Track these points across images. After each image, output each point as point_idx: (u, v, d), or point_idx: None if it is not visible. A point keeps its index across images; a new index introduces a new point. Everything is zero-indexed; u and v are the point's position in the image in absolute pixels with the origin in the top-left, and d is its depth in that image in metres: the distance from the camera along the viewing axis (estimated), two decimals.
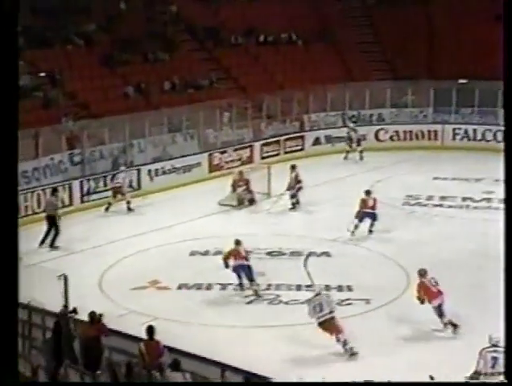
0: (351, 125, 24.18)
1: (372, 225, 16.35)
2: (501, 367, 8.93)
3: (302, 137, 24.75)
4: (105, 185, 19.31)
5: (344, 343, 11.07)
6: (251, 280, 13.36)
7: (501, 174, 22.26)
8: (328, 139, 24.96)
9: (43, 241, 15.76)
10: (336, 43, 28.47)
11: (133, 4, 26.14)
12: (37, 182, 18.20)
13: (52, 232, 15.91)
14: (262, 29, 27.80)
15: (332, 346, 11.23)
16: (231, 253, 13.52)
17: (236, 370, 9.09)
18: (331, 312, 11.31)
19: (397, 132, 25.42)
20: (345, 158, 23.70)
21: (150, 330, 9.82)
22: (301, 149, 24.48)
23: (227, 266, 13.50)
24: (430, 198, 19.13)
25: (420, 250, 15.21)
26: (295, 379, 9.30)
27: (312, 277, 11.94)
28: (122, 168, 19.29)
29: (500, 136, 24.49)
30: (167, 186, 20.41)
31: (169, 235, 16.63)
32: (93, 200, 19.06)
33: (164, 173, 20.79)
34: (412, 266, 14.00)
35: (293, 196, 18.49)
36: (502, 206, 18.04)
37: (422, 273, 11.82)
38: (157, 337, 9.78)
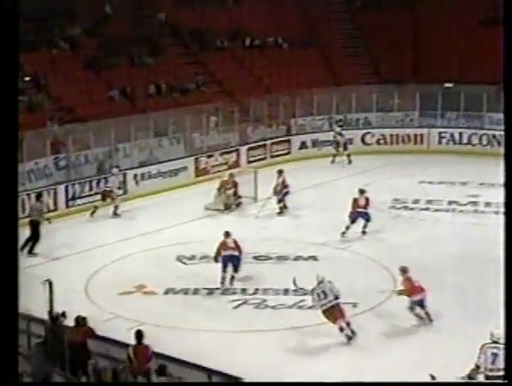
0: (338, 129, 24.20)
1: (365, 226, 16.40)
2: (500, 363, 9.10)
3: (288, 141, 24.74)
4: (91, 189, 19.20)
5: (341, 329, 11.46)
6: (235, 271, 13.69)
7: (486, 177, 22.56)
8: (315, 143, 24.98)
9: (23, 247, 15.45)
10: (322, 47, 28.53)
11: (118, 8, 26.05)
12: (21, 187, 18.04)
13: (32, 239, 15.72)
14: (248, 33, 27.81)
15: (320, 350, 11.21)
16: (219, 248, 13.82)
17: (223, 375, 9.04)
18: (336, 298, 11.58)
19: (383, 136, 25.49)
20: (332, 161, 23.73)
21: (139, 334, 9.75)
22: (287, 154, 24.47)
23: (217, 261, 13.81)
24: (416, 201, 19.17)
25: (407, 253, 15.20)
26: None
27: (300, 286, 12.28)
28: (115, 170, 19.15)
29: (485, 139, 24.67)
30: (154, 190, 20.33)
31: (155, 239, 16.55)
32: (79, 205, 18.93)
33: (150, 177, 20.70)
34: (398, 269, 14.04)
35: (280, 201, 18.46)
36: (488, 209, 18.33)
37: (404, 270, 12.12)
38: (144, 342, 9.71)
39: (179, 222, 17.70)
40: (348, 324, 11.57)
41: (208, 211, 18.75)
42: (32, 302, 10.40)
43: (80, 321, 10.22)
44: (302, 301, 13.04)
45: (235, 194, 18.99)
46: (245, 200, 19.21)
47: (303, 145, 24.90)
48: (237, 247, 13.83)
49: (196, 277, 14.30)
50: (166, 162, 21.28)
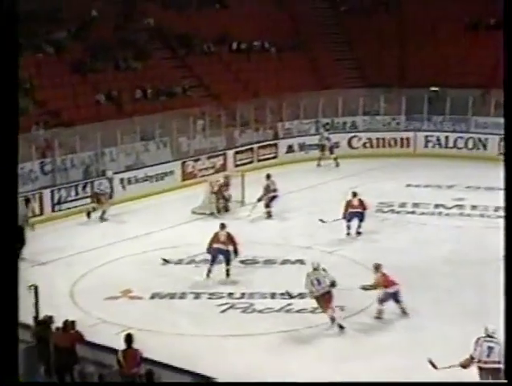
0: (325, 134, 24.24)
1: (359, 226, 16.59)
2: (496, 356, 9.42)
3: (275, 145, 24.75)
4: (77, 194, 19.11)
5: (333, 319, 11.90)
6: (228, 263, 14.10)
7: (472, 180, 22.64)
8: (302, 147, 25.01)
9: None
10: (309, 51, 28.58)
11: (104, 11, 25.98)
12: None
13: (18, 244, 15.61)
14: (234, 37, 27.81)
15: (308, 354, 11.19)
16: (211, 240, 14.23)
17: (209, 379, 9.00)
18: (332, 285, 12.01)
19: (370, 139, 25.55)
20: (318, 165, 23.77)
21: (129, 338, 9.69)
22: (274, 157, 24.48)
23: (208, 252, 14.24)
24: (403, 205, 19.21)
25: (393, 257, 15.19)
26: None
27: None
28: (109, 173, 19.09)
29: (471, 143, 24.78)
30: (140, 194, 20.26)
31: (142, 244, 16.48)
32: (65, 209, 18.84)
33: (137, 181, 20.62)
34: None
35: (267, 205, 18.44)
36: (474, 212, 18.40)
37: (377, 267, 12.43)
38: None
39: (165, 226, 17.65)
40: (333, 310, 12.04)
41: (195, 215, 18.70)
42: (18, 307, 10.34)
43: (69, 325, 10.15)
44: (289, 304, 13.05)
45: (224, 197, 18.97)
46: (233, 204, 19.18)
47: (290, 149, 24.91)
48: (230, 241, 14.13)
49: (182, 281, 14.24)
50: (152, 166, 21.22)
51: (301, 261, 15.15)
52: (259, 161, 23.95)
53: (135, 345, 9.67)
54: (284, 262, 15.13)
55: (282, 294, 13.34)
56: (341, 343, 11.63)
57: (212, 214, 18.57)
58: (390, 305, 12.48)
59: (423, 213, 18.56)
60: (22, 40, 22.82)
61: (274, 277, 14.34)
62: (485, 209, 18.61)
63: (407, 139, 25.50)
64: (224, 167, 22.70)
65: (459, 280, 13.96)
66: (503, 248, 7.57)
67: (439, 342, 11.29)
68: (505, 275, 7.39)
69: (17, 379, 6.84)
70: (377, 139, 25.59)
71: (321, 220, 16.77)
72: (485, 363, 9.57)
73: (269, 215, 18.42)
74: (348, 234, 16.60)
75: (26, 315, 10.21)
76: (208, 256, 14.47)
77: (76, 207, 18.86)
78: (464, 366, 9.61)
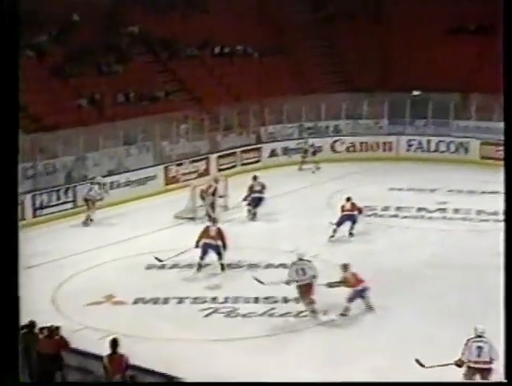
0: (309, 140, 24.30)
1: (352, 228, 16.75)
2: (486, 356, 9.58)
3: (258, 149, 24.75)
4: (59, 199, 18.99)
5: (310, 303, 12.35)
6: (220, 257, 14.54)
7: (454, 184, 22.74)
8: (285, 151, 25.04)
9: None
10: (291, 56, 28.62)
11: (86, 15, 25.85)
12: None
13: None
14: (217, 41, 27.79)
15: (292, 358, 11.16)
16: (201, 234, 14.58)
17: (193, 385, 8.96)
18: (314, 277, 12.44)
19: (353, 143, 25.63)
20: (300, 169, 23.80)
21: (114, 343, 9.62)
22: (258, 161, 24.48)
23: (197, 246, 14.50)
24: (386, 208, 19.27)
25: (376, 261, 15.28)
26: None
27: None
28: (98, 178, 19.04)
29: (453, 147, 24.93)
30: (123, 199, 20.15)
31: (125, 248, 16.40)
32: (46, 214, 18.69)
33: (119, 186, 20.52)
34: (368, 276, 14.06)
35: (250, 205, 18.49)
36: (456, 216, 18.49)
37: (345, 266, 12.78)
38: None
39: (148, 231, 17.57)
40: (312, 302, 12.45)
41: (178, 219, 18.64)
42: None
43: (54, 331, 10.04)
44: (273, 309, 13.04)
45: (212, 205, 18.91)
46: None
47: (273, 153, 24.93)
48: (220, 236, 14.51)
49: (165, 286, 14.19)
50: (135, 170, 21.13)
51: (285, 265, 15.04)
52: (242, 165, 23.94)
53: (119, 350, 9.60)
54: (268, 266, 15.11)
55: (265, 298, 13.35)
56: (326, 346, 11.61)
57: (193, 219, 18.50)
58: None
59: (405, 217, 18.62)
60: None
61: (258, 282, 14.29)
62: (468, 212, 18.71)
63: (390, 143, 25.61)
64: (207, 171, 22.66)
65: (442, 283, 14.01)
66: (503, 251, 7.63)
67: (422, 344, 11.31)
68: (505, 275, 7.47)
69: (17, 380, 6.82)
70: (361, 143, 25.68)
71: (331, 222, 16.85)
72: (476, 363, 9.68)
73: (253, 216, 18.44)
74: (332, 236, 16.61)
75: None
76: (192, 260, 14.57)
77: (58, 211, 18.72)
78: (459, 365, 9.77)
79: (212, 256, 14.80)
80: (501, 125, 24.27)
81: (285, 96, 25.29)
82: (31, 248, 16.29)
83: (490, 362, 9.65)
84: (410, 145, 25.48)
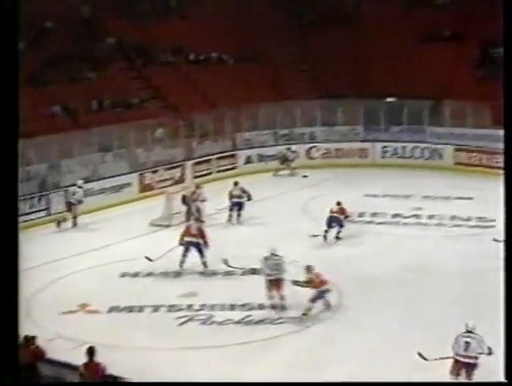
0: (292, 147, 24.48)
1: (339, 232, 16.93)
2: (473, 351, 9.87)
3: (234, 156, 24.73)
4: (32, 206, 18.79)
5: (272, 297, 12.97)
6: (202, 255, 14.99)
7: (429, 190, 22.87)
8: (261, 157, 25.05)
9: None
10: (266, 63, 28.63)
11: (59, 23, 25.67)
12: None
13: None
14: (192, 48, 27.76)
15: (268, 365, 11.13)
16: (183, 233, 15.21)
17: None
18: (282, 273, 13.02)
19: (328, 150, 25.71)
20: (275, 175, 23.88)
21: (91, 351, 9.54)
22: (233, 168, 24.44)
23: (181, 244, 15.05)
24: (361, 214, 19.32)
25: (352, 266, 15.32)
26: None
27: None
28: (79, 182, 19.01)
29: (427, 153, 25.09)
30: (97, 206, 19.98)
31: (100, 256, 16.26)
32: (20, 222, 18.41)
33: (94, 193, 20.35)
34: (345, 283, 14.12)
35: (231, 212, 18.64)
36: (430, 222, 18.60)
37: (309, 268, 12.92)
38: None
39: (123, 239, 17.45)
40: (281, 297, 12.94)
41: (153, 227, 18.54)
42: None
43: (30, 340, 9.90)
44: (248, 316, 13.00)
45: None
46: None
47: (248, 160, 24.93)
48: (200, 234, 15.09)
49: (140, 294, 14.09)
50: (110, 177, 20.99)
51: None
52: (218, 172, 23.89)
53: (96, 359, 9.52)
54: (244, 273, 15.06)
55: (241, 306, 13.33)
56: (302, 352, 11.58)
57: (168, 226, 18.41)
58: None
59: (381, 223, 18.69)
60: None
61: (234, 289, 14.26)
62: (442, 218, 18.84)
63: (365, 149, 25.72)
64: (182, 179, 22.58)
65: (417, 288, 14.07)
66: (503, 257, 7.76)
67: (399, 349, 11.35)
68: (505, 276, 7.60)
69: (17, 380, 6.90)
70: (336, 149, 25.75)
71: (312, 235, 17.07)
72: (462, 356, 9.93)
73: (237, 220, 18.56)
74: (324, 237, 16.92)
75: None
76: (166, 268, 14.73)
77: (31, 220, 18.51)
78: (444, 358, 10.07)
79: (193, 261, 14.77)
80: (475, 131, 24.58)
81: (260, 102, 25.28)
82: None
83: (476, 358, 9.91)
84: (385, 152, 25.61)
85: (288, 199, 20.90)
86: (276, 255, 13.20)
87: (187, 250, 15.07)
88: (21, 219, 18.23)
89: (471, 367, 9.95)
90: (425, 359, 10.23)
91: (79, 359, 9.63)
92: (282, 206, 20.08)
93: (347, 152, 25.76)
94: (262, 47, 28.92)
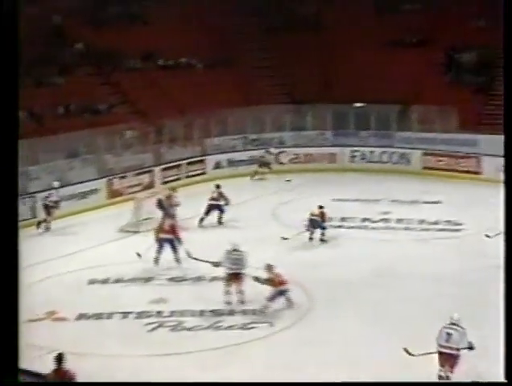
0: (272, 149, 24.51)
1: (322, 234, 17.27)
2: (454, 342, 10.05)
3: (203, 161, 24.67)
4: None
5: (227, 292, 13.39)
6: (175, 251, 15.40)
7: (397, 194, 23.00)
8: (230, 163, 25.04)
9: None
10: (235, 68, 28.67)
11: (27, 27, 25.34)
12: None
13: None
14: (160, 53, 27.66)
15: (238, 370, 11.09)
16: (157, 229, 15.79)
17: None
18: (242, 268, 13.44)
19: (297, 155, 25.79)
20: (252, 178, 24.00)
21: (59, 358, 9.42)
22: (203, 173, 24.39)
23: (157, 240, 15.52)
24: (330, 219, 19.34)
25: (321, 271, 15.36)
26: None
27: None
28: (55, 184, 18.95)
29: (395, 157, 25.29)
30: (65, 213, 19.74)
31: (68, 263, 16.08)
32: None
33: (62, 200, 20.07)
34: (314, 287, 14.16)
35: (205, 214, 18.78)
36: (399, 226, 18.74)
37: (269, 267, 13.20)
38: None
39: (91, 245, 17.29)
40: (240, 292, 13.37)
41: (122, 232, 18.41)
42: None
43: None
44: (218, 321, 12.96)
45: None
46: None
47: (218, 165, 24.90)
48: (173, 231, 15.53)
49: (109, 300, 13.96)
50: (77, 183, 20.78)
51: None
52: (187, 177, 23.81)
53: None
54: (213, 279, 14.99)
55: (211, 311, 13.29)
56: (272, 358, 11.56)
57: (137, 232, 18.29)
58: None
59: (350, 227, 18.76)
60: None
61: (204, 295, 14.20)
62: (410, 222, 18.99)
63: (334, 154, 25.85)
64: (151, 184, 22.46)
65: (386, 292, 14.14)
66: (503, 260, 7.83)
67: (369, 353, 11.40)
68: (505, 276, 7.67)
69: (17, 380, 6.90)
70: (305, 154, 25.86)
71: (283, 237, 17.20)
72: (443, 347, 10.08)
73: (200, 221, 18.62)
74: (310, 239, 17.30)
75: None
76: (135, 275, 14.78)
77: None
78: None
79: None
80: (442, 136, 24.75)
81: (229, 108, 25.30)
82: None
83: (457, 349, 10.04)
84: (353, 156, 25.76)
85: (256, 205, 20.89)
86: (238, 250, 13.63)
87: (161, 247, 15.44)
88: None
89: (453, 359, 10.06)
90: (411, 354, 10.33)
91: (46, 367, 9.48)
92: (250, 212, 20.05)
93: (316, 157, 25.87)
94: (231, 53, 28.96)
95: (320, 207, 17.48)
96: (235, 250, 13.70)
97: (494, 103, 25.59)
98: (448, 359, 10.09)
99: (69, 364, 9.57)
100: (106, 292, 14.54)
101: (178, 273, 15.36)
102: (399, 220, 19.16)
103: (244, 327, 12.68)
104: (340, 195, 21.70)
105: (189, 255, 15.02)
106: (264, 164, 24.42)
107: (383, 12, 29.03)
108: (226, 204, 18.99)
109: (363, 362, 11.18)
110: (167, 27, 28.01)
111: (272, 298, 13.07)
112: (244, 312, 13.32)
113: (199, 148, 25.05)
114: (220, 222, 18.99)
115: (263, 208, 20.48)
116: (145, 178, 22.53)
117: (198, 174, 24.20)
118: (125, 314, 13.34)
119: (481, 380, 9.92)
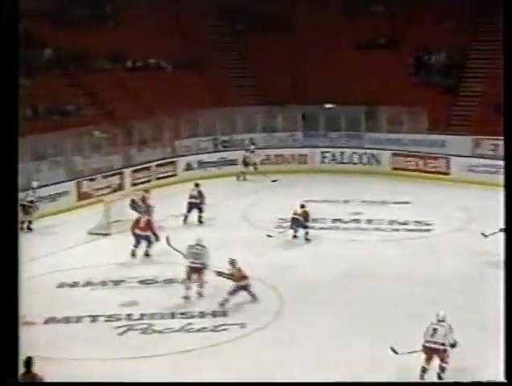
0: (251, 147, 24.44)
1: (306, 233, 17.39)
2: (440, 337, 10.34)
3: (173, 163, 24.55)
4: None
5: (201, 286, 13.75)
6: (149, 246, 16.10)
7: (367, 195, 23.14)
8: (201, 164, 24.95)
9: None
10: (205, 69, 28.56)
11: None
12: None
13: None
14: (129, 54, 27.46)
15: (209, 373, 11.03)
16: (132, 225, 16.25)
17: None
18: (203, 264, 13.76)
19: (268, 156, 25.78)
20: (239, 178, 24.12)
21: (28, 362, 9.31)
22: (173, 175, 24.25)
23: (133, 234, 16.08)
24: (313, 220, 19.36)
25: (293, 272, 15.36)
26: None
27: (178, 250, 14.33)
28: (34, 184, 18.91)
29: (365, 158, 25.41)
30: (34, 216, 19.48)
31: (35, 266, 15.79)
32: None
33: (36, 201, 19.81)
34: (285, 289, 14.16)
35: (187, 212, 19.02)
36: (369, 226, 18.82)
37: (233, 262, 13.53)
38: None
39: (60, 248, 17.09)
40: (201, 285, 13.75)
41: (92, 235, 18.21)
42: None
43: None
44: (189, 324, 12.89)
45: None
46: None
47: (188, 167, 24.78)
48: (149, 227, 16.05)
49: (78, 304, 13.81)
50: (45, 186, 20.49)
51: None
52: (158, 179, 23.65)
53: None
54: (184, 281, 14.89)
55: (182, 314, 13.21)
56: (243, 360, 11.52)
57: (107, 234, 18.13)
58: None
59: (321, 228, 18.77)
60: None
61: (174, 297, 14.10)
62: (380, 223, 19.08)
63: (304, 155, 25.90)
64: (121, 186, 22.26)
65: (357, 293, 14.19)
66: (504, 259, 7.87)
67: (341, 355, 11.40)
68: (505, 277, 7.71)
69: (17, 380, 6.91)
70: (276, 156, 25.86)
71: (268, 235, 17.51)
72: (428, 342, 10.35)
73: (184, 220, 18.89)
74: (294, 236, 17.52)
75: None
76: (104, 278, 14.83)
77: None
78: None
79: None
80: (411, 136, 24.99)
81: (200, 109, 25.20)
82: None
83: (443, 344, 10.31)
84: (324, 157, 25.83)
85: (227, 206, 20.83)
86: (200, 245, 13.95)
87: (137, 242, 16.06)
88: None
89: (440, 354, 10.29)
90: (396, 352, 10.45)
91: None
92: (221, 213, 19.98)
93: (286, 158, 25.90)
94: (200, 54, 28.84)
95: (302, 207, 17.56)
96: (198, 245, 13.96)
97: (463, 104, 25.89)
98: (434, 353, 10.34)
99: (38, 368, 9.45)
100: (75, 295, 14.37)
101: (148, 275, 15.22)
102: (369, 221, 19.25)
103: (215, 329, 12.61)
104: (310, 196, 21.64)
105: (168, 242, 15.01)
106: (249, 164, 24.32)
107: (353, 14, 29.13)
108: (201, 203, 19.08)
109: (334, 362, 11.18)
110: (136, 28, 27.81)
111: (233, 292, 13.30)
112: (214, 314, 13.25)
113: (169, 149, 24.92)
114: (200, 221, 19.06)
115: (233, 210, 20.43)
116: (114, 181, 22.32)
117: (168, 176, 24.06)
118: (95, 318, 13.20)
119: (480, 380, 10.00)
